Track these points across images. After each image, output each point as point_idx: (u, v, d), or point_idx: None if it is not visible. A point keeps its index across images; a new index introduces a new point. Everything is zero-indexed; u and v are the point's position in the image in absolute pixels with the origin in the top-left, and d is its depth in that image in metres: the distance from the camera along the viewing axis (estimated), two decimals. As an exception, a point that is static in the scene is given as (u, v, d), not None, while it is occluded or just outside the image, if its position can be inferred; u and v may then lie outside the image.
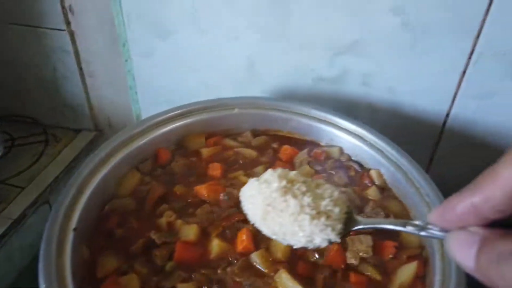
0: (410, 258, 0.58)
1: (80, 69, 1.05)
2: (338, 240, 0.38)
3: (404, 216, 0.65)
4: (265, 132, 0.80)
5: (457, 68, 0.76)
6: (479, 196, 0.25)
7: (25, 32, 1.00)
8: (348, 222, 0.38)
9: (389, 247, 0.59)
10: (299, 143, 0.78)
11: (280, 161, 0.74)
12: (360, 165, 0.74)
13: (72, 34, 0.99)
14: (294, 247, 0.40)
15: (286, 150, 0.76)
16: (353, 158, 0.75)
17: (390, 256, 0.59)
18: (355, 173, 0.72)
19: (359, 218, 0.39)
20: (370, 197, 0.68)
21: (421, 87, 0.81)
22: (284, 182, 0.40)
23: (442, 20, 0.73)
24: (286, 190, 0.39)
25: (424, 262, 0.58)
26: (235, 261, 0.57)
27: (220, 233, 0.61)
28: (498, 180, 0.24)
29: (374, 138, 0.71)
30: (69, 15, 0.97)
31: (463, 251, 0.25)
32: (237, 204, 0.65)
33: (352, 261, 0.58)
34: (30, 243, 0.95)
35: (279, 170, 0.41)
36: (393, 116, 0.85)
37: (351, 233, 0.41)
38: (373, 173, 0.71)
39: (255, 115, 0.79)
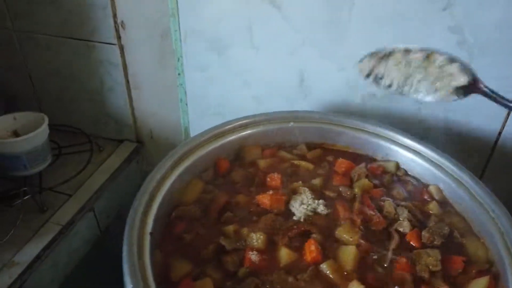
0: (479, 273, 0.58)
1: (127, 81, 1.08)
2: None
3: (467, 231, 0.65)
4: (320, 145, 0.81)
5: (512, 87, 0.77)
6: None
7: (78, 45, 1.03)
8: None
9: (458, 262, 0.59)
10: (353, 157, 0.79)
11: (337, 174, 0.75)
12: (417, 180, 0.74)
13: (122, 48, 1.03)
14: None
15: (342, 163, 0.76)
16: (409, 173, 0.76)
17: (459, 270, 0.59)
18: (413, 188, 0.73)
19: None
20: (431, 212, 0.68)
21: (474, 105, 0.81)
22: None
23: (499, 40, 0.74)
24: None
25: (495, 277, 0.58)
26: (304, 270, 0.58)
27: (287, 242, 0.61)
28: None
29: (433, 154, 0.72)
30: (120, 30, 1.00)
31: None
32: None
33: (422, 274, 0.58)
34: (75, 248, 0.96)
35: None
36: (444, 133, 0.86)
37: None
38: (432, 189, 0.71)
39: (309, 128, 0.81)
